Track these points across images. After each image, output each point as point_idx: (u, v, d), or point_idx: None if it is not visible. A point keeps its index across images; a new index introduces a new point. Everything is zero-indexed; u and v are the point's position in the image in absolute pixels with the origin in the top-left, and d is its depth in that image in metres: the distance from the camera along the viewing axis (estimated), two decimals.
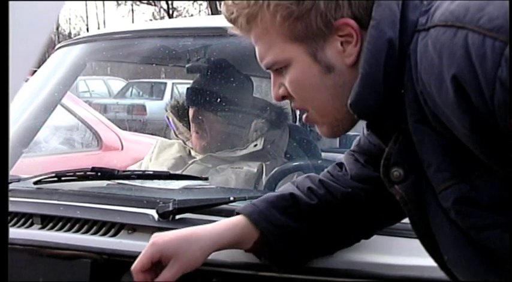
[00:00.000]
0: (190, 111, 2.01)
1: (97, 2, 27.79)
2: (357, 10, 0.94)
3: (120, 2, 27.13)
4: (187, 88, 2.07)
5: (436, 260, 0.98)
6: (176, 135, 2.10)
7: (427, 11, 0.89)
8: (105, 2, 27.73)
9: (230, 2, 1.00)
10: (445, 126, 0.85)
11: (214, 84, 1.99)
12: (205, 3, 24.89)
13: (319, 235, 1.16)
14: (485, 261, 0.88)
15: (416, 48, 0.87)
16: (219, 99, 1.96)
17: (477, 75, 0.77)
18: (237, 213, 1.17)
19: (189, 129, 2.05)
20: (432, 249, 0.98)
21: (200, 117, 1.97)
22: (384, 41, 0.90)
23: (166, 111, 2.14)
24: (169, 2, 26.18)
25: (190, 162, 1.99)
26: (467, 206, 0.87)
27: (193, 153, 2.04)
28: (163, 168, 1.98)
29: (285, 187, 1.20)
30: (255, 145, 1.90)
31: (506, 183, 0.84)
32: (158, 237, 1.12)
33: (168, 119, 2.12)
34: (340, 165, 1.22)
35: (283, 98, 1.04)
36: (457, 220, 0.89)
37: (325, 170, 1.23)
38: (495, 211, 0.85)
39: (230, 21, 1.02)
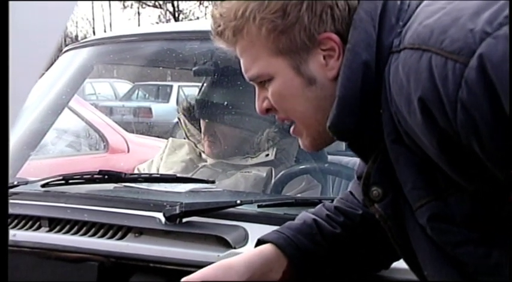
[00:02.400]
0: (203, 123, 2.00)
1: (103, 5, 27.89)
2: (340, 26, 0.96)
3: (126, 4, 27.21)
4: (196, 99, 2.07)
5: (417, 275, 1.00)
6: (187, 138, 2.09)
7: (401, 32, 0.91)
8: (112, 5, 27.82)
9: (217, 14, 1.02)
10: (417, 145, 0.87)
11: (224, 94, 1.98)
12: (211, 6, 24.92)
13: (342, 263, 1.16)
14: (462, 276, 0.90)
15: (389, 70, 0.89)
16: (231, 110, 1.95)
17: (441, 96, 0.79)
18: (261, 241, 1.15)
19: (201, 132, 2.05)
20: (413, 265, 0.99)
21: (213, 129, 1.97)
22: (359, 64, 0.93)
23: (178, 112, 2.14)
24: (175, 4, 26.24)
25: (200, 166, 1.99)
26: (441, 223, 0.89)
27: (203, 155, 2.04)
28: (173, 170, 1.97)
29: (303, 215, 1.19)
30: (267, 155, 1.89)
31: (477, 200, 0.86)
32: (189, 277, 1.09)
33: (180, 120, 2.12)
34: (351, 193, 1.22)
35: (267, 111, 1.06)
36: (432, 236, 0.91)
37: (338, 197, 1.24)
38: (468, 227, 0.87)
39: (217, 33, 1.03)
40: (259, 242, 1.15)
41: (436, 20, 0.83)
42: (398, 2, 0.96)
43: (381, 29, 0.93)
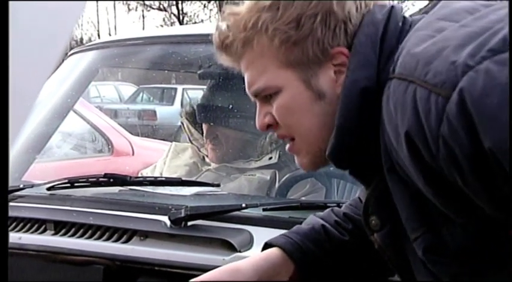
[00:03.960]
0: (204, 127, 2.01)
1: (108, 7, 27.97)
2: (352, 41, 0.95)
3: (131, 7, 27.25)
4: (198, 105, 2.07)
5: None
6: (191, 142, 2.10)
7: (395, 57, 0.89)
8: (116, 8, 27.91)
9: (224, 27, 1.01)
10: (408, 176, 0.86)
11: (227, 97, 1.97)
12: (215, 9, 24.95)
13: (349, 270, 1.15)
14: None
15: (383, 98, 0.88)
16: (232, 113, 1.95)
17: (424, 131, 0.78)
18: (268, 245, 1.15)
19: (204, 136, 2.05)
20: None
21: (215, 133, 1.97)
22: (357, 91, 0.91)
23: (181, 117, 2.14)
24: (180, 7, 26.26)
25: (204, 170, 1.99)
26: (436, 255, 0.88)
27: (207, 159, 2.04)
28: (177, 174, 1.97)
29: (312, 219, 1.18)
30: (270, 158, 1.89)
31: (468, 233, 0.84)
32: (195, 279, 1.10)
33: (183, 124, 2.13)
34: (360, 199, 1.21)
35: (268, 126, 1.04)
36: (429, 267, 0.90)
37: (347, 203, 1.23)
38: (461, 259, 0.86)
39: (222, 45, 1.02)
40: (267, 246, 1.15)
41: (423, 50, 0.82)
42: (400, 23, 0.94)
43: (381, 53, 0.92)
